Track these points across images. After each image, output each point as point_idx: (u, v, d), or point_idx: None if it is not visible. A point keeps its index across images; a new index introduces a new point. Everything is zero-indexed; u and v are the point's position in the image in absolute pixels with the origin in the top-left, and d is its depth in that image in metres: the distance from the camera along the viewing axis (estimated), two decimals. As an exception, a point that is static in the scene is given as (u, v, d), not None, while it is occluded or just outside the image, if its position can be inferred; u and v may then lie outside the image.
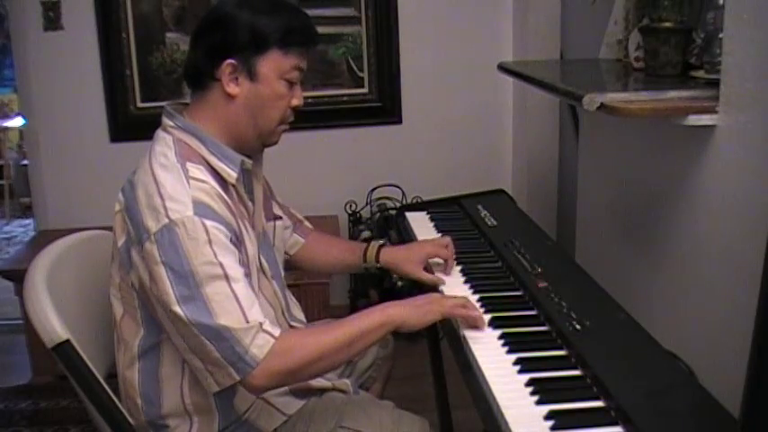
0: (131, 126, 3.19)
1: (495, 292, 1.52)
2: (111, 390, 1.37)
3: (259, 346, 1.25)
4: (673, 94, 1.54)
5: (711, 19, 1.61)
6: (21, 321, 2.95)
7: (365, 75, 3.30)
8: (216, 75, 1.37)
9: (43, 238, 2.81)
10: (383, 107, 3.33)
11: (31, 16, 3.12)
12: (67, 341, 1.31)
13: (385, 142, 3.35)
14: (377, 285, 3.12)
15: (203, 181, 1.32)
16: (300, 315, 1.61)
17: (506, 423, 1.06)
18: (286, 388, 1.46)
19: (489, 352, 1.28)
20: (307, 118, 2.93)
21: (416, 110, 3.34)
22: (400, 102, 3.32)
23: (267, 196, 1.60)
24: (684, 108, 1.49)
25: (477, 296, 1.50)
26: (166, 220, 1.26)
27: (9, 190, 5.65)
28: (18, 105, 5.14)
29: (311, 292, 2.84)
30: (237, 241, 1.34)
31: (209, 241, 1.26)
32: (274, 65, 1.37)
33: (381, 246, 1.70)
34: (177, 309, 1.24)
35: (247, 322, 1.25)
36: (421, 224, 2.00)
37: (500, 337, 1.32)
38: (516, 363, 1.23)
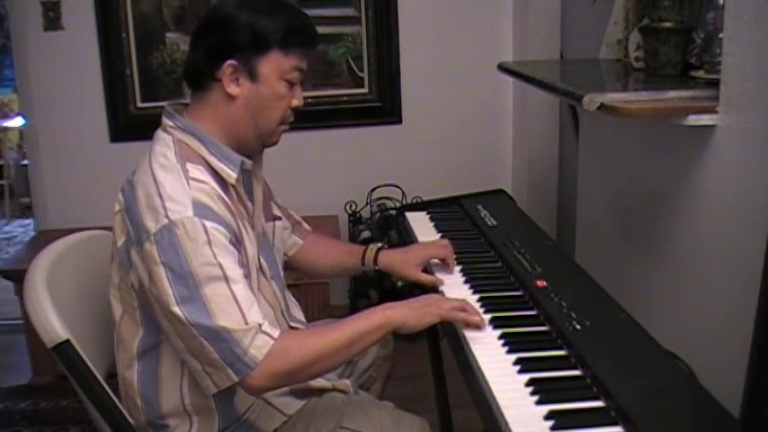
0: (131, 126, 3.19)
1: (495, 292, 1.52)
2: (111, 390, 1.37)
3: (258, 347, 1.25)
4: (673, 94, 1.54)
5: (711, 19, 1.61)
6: (21, 321, 2.95)
7: (365, 75, 3.30)
8: (216, 75, 1.36)
9: (43, 238, 2.81)
10: (383, 107, 3.33)
11: (31, 16, 3.12)
12: (67, 341, 1.31)
13: (385, 142, 3.35)
14: (377, 286, 3.12)
15: (203, 181, 1.32)
16: (300, 315, 1.61)
17: (506, 423, 1.06)
18: (286, 388, 1.46)
19: (489, 352, 1.28)
20: (307, 118, 2.93)
21: (416, 110, 3.34)
22: (400, 102, 3.32)
23: (267, 197, 1.60)
24: (684, 108, 1.49)
25: (477, 296, 1.50)
26: (166, 221, 1.26)
27: (9, 190, 5.65)
28: (18, 105, 5.14)
29: (311, 292, 2.84)
30: (237, 242, 1.34)
31: (209, 242, 1.26)
32: (275, 65, 1.37)
33: (380, 249, 1.70)
34: (176, 309, 1.24)
35: (246, 323, 1.25)
36: (421, 224, 2.00)
37: (500, 337, 1.32)
38: (516, 363, 1.23)
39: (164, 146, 1.37)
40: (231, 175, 1.38)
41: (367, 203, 3.29)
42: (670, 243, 1.73)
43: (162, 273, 1.25)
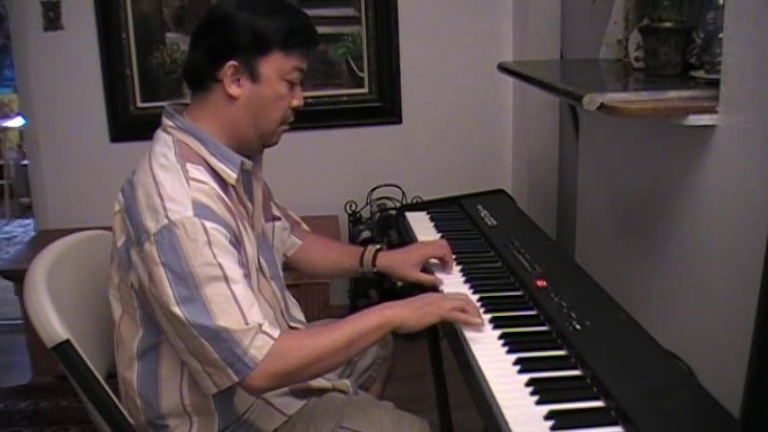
0: (131, 126, 3.19)
1: (495, 292, 1.52)
2: (111, 390, 1.37)
3: (258, 347, 1.25)
4: (673, 94, 1.54)
5: (711, 19, 1.61)
6: (21, 321, 2.95)
7: (365, 75, 3.30)
8: (217, 76, 1.36)
9: (43, 238, 2.81)
10: (383, 107, 3.33)
11: (31, 16, 3.12)
12: (67, 341, 1.31)
13: (385, 142, 3.36)
14: (377, 286, 3.12)
15: (203, 182, 1.32)
16: (300, 315, 1.61)
17: (506, 423, 1.06)
18: (286, 388, 1.46)
19: (489, 352, 1.28)
20: (307, 118, 2.93)
21: (416, 110, 3.34)
22: (400, 102, 3.33)
23: (266, 197, 1.60)
24: (684, 108, 1.49)
25: (477, 296, 1.50)
26: (166, 221, 1.26)
27: (9, 190, 5.65)
28: (18, 105, 5.14)
29: (311, 292, 2.84)
30: (237, 242, 1.34)
31: (209, 242, 1.26)
32: (276, 66, 1.37)
33: (378, 250, 1.70)
34: (176, 309, 1.24)
35: (246, 324, 1.25)
36: (421, 224, 2.00)
37: (500, 337, 1.32)
38: (516, 363, 1.23)
39: (164, 146, 1.37)
40: (231, 175, 1.38)
41: (367, 203, 3.29)
42: (670, 243, 1.73)
43: (162, 273, 1.25)
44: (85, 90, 3.19)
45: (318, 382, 1.51)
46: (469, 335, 1.33)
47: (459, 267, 1.67)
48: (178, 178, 1.31)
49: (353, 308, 3.20)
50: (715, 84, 1.48)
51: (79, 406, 1.73)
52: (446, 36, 3.30)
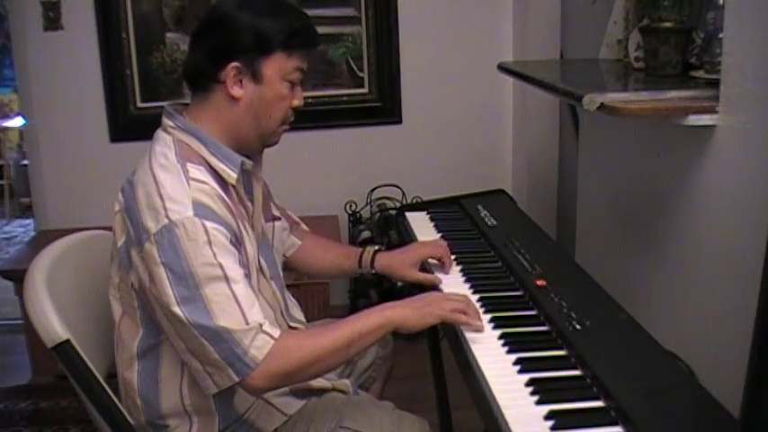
0: (131, 126, 3.19)
1: (495, 292, 1.52)
2: (111, 390, 1.37)
3: (258, 347, 1.25)
4: (673, 94, 1.54)
5: (711, 19, 1.61)
6: (21, 321, 2.95)
7: (365, 75, 3.30)
8: (219, 77, 1.36)
9: (43, 238, 2.81)
10: (383, 107, 3.33)
11: (31, 16, 3.12)
12: (67, 341, 1.31)
13: (385, 142, 3.36)
14: (377, 286, 3.12)
15: (203, 182, 1.32)
16: (300, 315, 1.61)
17: (506, 423, 1.06)
18: (286, 388, 1.46)
19: (489, 352, 1.28)
20: (307, 118, 2.93)
21: (416, 110, 3.34)
22: (400, 102, 3.33)
23: (266, 197, 1.60)
24: (684, 108, 1.49)
25: (477, 296, 1.50)
26: (166, 221, 1.26)
27: (9, 190, 5.65)
28: (18, 105, 5.14)
29: (311, 292, 2.84)
30: (237, 242, 1.34)
31: (209, 242, 1.26)
32: (277, 66, 1.37)
33: (377, 251, 1.70)
34: (176, 309, 1.24)
35: (247, 323, 1.25)
36: (421, 224, 2.00)
37: (500, 337, 1.32)
38: (516, 363, 1.23)
39: (164, 146, 1.37)
40: (231, 175, 1.38)
41: (367, 203, 3.29)
42: (670, 243, 1.73)
43: (162, 273, 1.25)
44: (85, 90, 3.19)
45: (318, 382, 1.51)
46: (469, 335, 1.33)
47: (459, 267, 1.67)
48: (178, 178, 1.31)
49: (353, 308, 3.20)
50: (715, 84, 1.48)
51: (79, 406, 1.73)
52: (446, 36, 3.30)
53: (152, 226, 1.27)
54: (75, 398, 1.52)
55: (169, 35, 3.18)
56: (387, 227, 3.14)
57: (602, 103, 1.50)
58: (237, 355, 1.24)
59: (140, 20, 3.15)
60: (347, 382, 1.59)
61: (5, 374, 3.06)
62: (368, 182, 3.29)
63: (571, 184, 2.77)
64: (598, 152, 2.31)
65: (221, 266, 1.26)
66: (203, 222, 1.27)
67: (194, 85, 1.41)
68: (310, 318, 1.70)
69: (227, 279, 1.26)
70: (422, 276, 1.63)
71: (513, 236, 1.78)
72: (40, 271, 1.40)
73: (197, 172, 1.33)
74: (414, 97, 3.33)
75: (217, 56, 1.35)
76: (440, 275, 1.62)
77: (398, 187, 3.29)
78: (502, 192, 2.24)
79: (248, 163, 1.42)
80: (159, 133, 1.41)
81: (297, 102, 1.43)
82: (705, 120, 1.48)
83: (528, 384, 1.16)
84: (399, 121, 3.35)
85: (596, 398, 1.11)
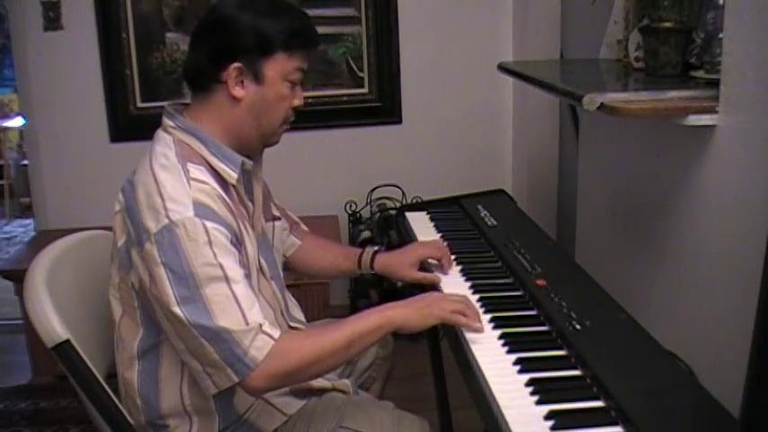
0: (131, 126, 3.19)
1: (495, 292, 1.52)
2: (111, 390, 1.37)
3: (258, 347, 1.25)
4: (673, 94, 1.54)
5: (711, 19, 1.61)
6: (21, 321, 2.95)
7: (365, 75, 3.30)
8: (220, 77, 1.36)
9: (43, 238, 2.81)
10: (383, 107, 3.33)
11: (31, 16, 3.12)
12: (67, 341, 1.31)
13: (385, 142, 3.36)
14: (377, 286, 3.12)
15: (204, 182, 1.32)
16: (300, 315, 1.61)
17: (506, 423, 1.06)
18: (286, 388, 1.46)
19: (489, 352, 1.28)
20: (307, 118, 2.93)
21: (416, 110, 3.34)
22: (400, 102, 3.33)
23: (266, 197, 1.60)
24: (684, 108, 1.49)
25: (477, 296, 1.50)
26: (167, 221, 1.26)
27: (9, 190, 5.65)
28: (18, 105, 5.13)
29: (311, 292, 2.84)
30: (238, 242, 1.34)
31: (210, 242, 1.26)
32: (279, 67, 1.37)
33: (376, 252, 1.71)
34: (177, 310, 1.24)
35: (247, 324, 1.25)
36: (421, 224, 2.00)
37: (500, 337, 1.32)
38: (516, 363, 1.23)
39: (164, 146, 1.36)
40: (232, 175, 1.38)
41: (367, 203, 3.29)
42: (670, 243, 1.73)
43: (162, 273, 1.25)
44: (85, 90, 3.19)
45: (318, 382, 1.51)
46: (469, 335, 1.33)
47: (459, 267, 1.67)
48: (179, 178, 1.31)
49: (353, 308, 3.20)
50: (715, 84, 1.48)
51: (79, 406, 1.73)
52: (446, 36, 3.30)
53: (152, 226, 1.27)
54: (75, 398, 1.52)
55: (169, 35, 3.18)
56: (387, 227, 3.14)
57: (602, 103, 1.50)
58: (237, 356, 1.24)
59: (140, 20, 3.15)
60: (347, 381, 1.59)
61: (5, 374, 3.06)
62: (368, 182, 3.29)
63: (571, 184, 2.77)
64: (598, 152, 2.31)
65: (221, 267, 1.26)
66: (204, 222, 1.27)
67: (195, 85, 1.41)
68: (310, 318, 1.70)
69: (227, 279, 1.26)
70: (421, 276, 1.63)
71: (513, 236, 1.78)
72: (40, 271, 1.40)
73: (197, 172, 1.33)
74: (414, 97, 3.33)
75: (218, 56, 1.35)
76: (439, 275, 1.62)
77: (398, 187, 3.29)
78: (502, 192, 2.24)
79: (249, 163, 1.42)
80: (160, 133, 1.41)
81: (297, 101, 1.43)
82: (705, 120, 1.48)
83: (528, 384, 1.16)
84: (399, 121, 3.35)
85: (596, 398, 1.11)
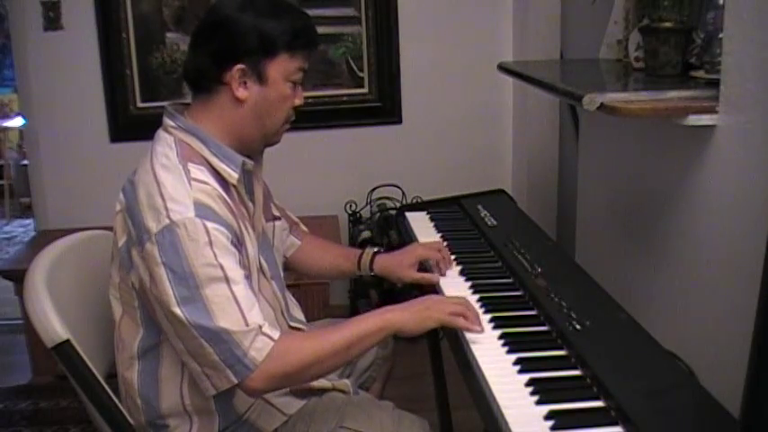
0: (131, 126, 3.19)
1: (495, 293, 1.52)
2: (111, 390, 1.37)
3: (258, 348, 1.25)
4: (673, 94, 1.54)
5: (711, 19, 1.61)
6: (21, 321, 2.95)
7: (365, 75, 3.30)
8: (223, 79, 1.36)
9: (43, 238, 2.81)
10: (383, 107, 3.33)
11: (31, 16, 3.12)
12: (67, 341, 1.31)
13: (385, 142, 3.36)
14: (377, 286, 3.12)
15: (205, 182, 1.32)
16: (300, 315, 1.61)
17: (506, 423, 1.06)
18: (286, 388, 1.46)
19: (489, 352, 1.28)
20: (307, 118, 2.93)
21: (416, 110, 3.34)
22: (400, 102, 3.32)
23: (266, 197, 1.60)
24: (684, 108, 1.49)
25: (477, 296, 1.50)
26: (167, 221, 1.26)
27: (9, 190, 5.65)
28: (18, 105, 5.14)
29: (311, 292, 2.84)
30: (238, 242, 1.34)
31: (210, 243, 1.26)
32: (281, 68, 1.37)
33: (376, 253, 1.71)
34: (177, 310, 1.24)
35: (247, 325, 1.25)
36: (421, 224, 2.00)
37: (500, 337, 1.32)
38: (516, 363, 1.23)
39: (165, 146, 1.36)
40: (233, 175, 1.38)
41: (367, 203, 3.29)
42: (670, 243, 1.73)
43: (163, 273, 1.25)
44: (85, 90, 3.19)
45: (319, 382, 1.51)
46: (469, 335, 1.33)
47: (459, 267, 1.67)
48: (180, 178, 1.30)
49: (353, 308, 3.20)
50: (715, 84, 1.48)
51: (79, 406, 1.73)
52: (446, 36, 3.30)
53: (153, 226, 1.27)
54: (75, 398, 1.52)
55: (169, 35, 3.18)
56: (387, 227, 3.14)
57: (602, 103, 1.50)
58: (237, 357, 1.24)
59: (140, 20, 3.15)
60: (347, 381, 1.59)
61: (5, 374, 3.05)
62: (368, 182, 3.29)
63: (571, 184, 2.77)
64: (598, 152, 2.31)
65: (222, 267, 1.26)
66: (204, 223, 1.27)
67: (196, 86, 1.40)
68: (310, 318, 1.70)
69: (227, 280, 1.26)
70: (420, 276, 1.63)
71: (513, 236, 1.78)
72: (40, 271, 1.40)
73: (198, 172, 1.33)
74: (414, 97, 3.33)
75: (221, 58, 1.35)
76: (438, 276, 1.63)
77: (398, 187, 3.29)
78: (502, 192, 2.24)
79: (249, 163, 1.42)
80: (160, 133, 1.41)
81: (298, 101, 1.43)
82: (705, 120, 1.48)
83: (528, 384, 1.16)
84: (399, 121, 3.35)
85: (596, 398, 1.11)
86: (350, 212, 3.26)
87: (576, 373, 1.19)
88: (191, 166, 1.33)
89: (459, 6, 3.28)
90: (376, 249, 1.73)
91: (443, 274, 1.64)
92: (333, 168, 3.36)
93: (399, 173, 3.31)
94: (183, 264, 1.24)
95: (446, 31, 3.29)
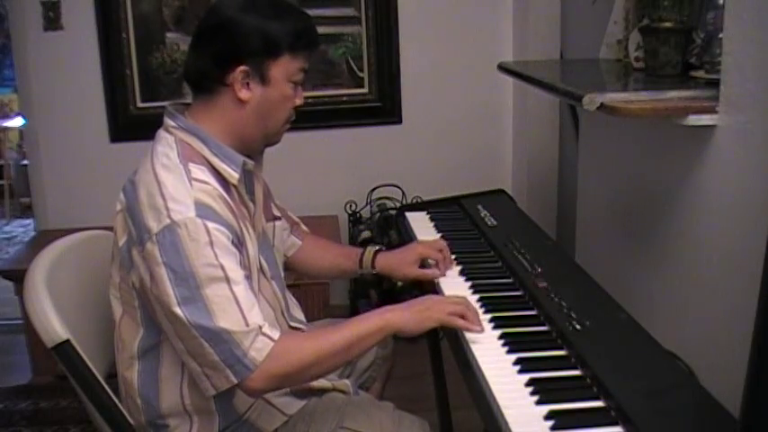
0: (131, 126, 3.19)
1: (495, 293, 1.52)
2: (111, 390, 1.37)
3: (258, 349, 1.25)
4: (673, 94, 1.54)
5: (711, 19, 1.61)
6: (21, 321, 2.95)
7: (365, 75, 3.30)
8: (226, 80, 1.35)
9: (43, 238, 2.81)
10: (383, 107, 3.33)
11: (31, 16, 3.12)
12: (67, 341, 1.31)
13: (385, 142, 3.36)
14: (377, 286, 3.12)
15: (205, 182, 1.32)
16: (300, 315, 1.61)
17: (506, 423, 1.06)
18: (287, 388, 1.46)
19: (489, 352, 1.28)
20: (307, 118, 2.93)
21: (416, 110, 3.34)
22: (400, 102, 3.33)
23: (267, 196, 1.60)
24: (684, 108, 1.49)
25: (477, 296, 1.50)
26: (168, 221, 1.26)
27: (9, 190, 5.65)
28: (18, 105, 5.13)
29: (311, 292, 2.84)
30: (239, 242, 1.34)
31: (211, 243, 1.26)
32: (284, 69, 1.37)
33: (377, 251, 1.71)
34: (177, 310, 1.24)
35: (247, 325, 1.25)
36: (421, 224, 2.00)
37: (500, 337, 1.32)
38: (516, 363, 1.23)
39: (166, 146, 1.36)
40: (233, 175, 1.38)
41: (367, 203, 3.29)
42: (670, 243, 1.73)
43: (163, 273, 1.25)
44: (85, 90, 3.19)
45: (319, 383, 1.51)
46: (469, 335, 1.33)
47: (459, 267, 1.67)
48: (180, 178, 1.30)
49: (353, 308, 3.20)
50: (715, 84, 1.48)
51: (79, 406, 1.73)
52: (446, 36, 3.30)
53: (154, 226, 1.27)
54: (75, 398, 1.52)
55: (169, 35, 3.18)
56: (387, 227, 3.14)
57: (602, 103, 1.50)
58: (237, 357, 1.24)
59: (140, 20, 3.15)
60: (347, 382, 1.59)
61: (5, 374, 3.05)
62: (368, 182, 3.29)
63: (571, 184, 2.77)
64: (598, 152, 2.31)
65: (222, 267, 1.26)
66: (205, 223, 1.27)
67: (198, 87, 1.40)
68: (310, 318, 1.70)
69: (227, 280, 1.26)
70: (421, 273, 1.64)
71: (513, 236, 1.78)
72: (40, 271, 1.40)
73: (199, 172, 1.33)
74: (414, 97, 3.33)
75: (223, 60, 1.35)
76: (438, 273, 1.63)
77: (398, 187, 3.29)
78: (502, 192, 2.24)
79: (250, 163, 1.42)
80: (161, 133, 1.41)
81: (299, 101, 1.43)
82: (705, 120, 1.48)
83: (528, 384, 1.16)
84: (399, 121, 3.35)
85: (596, 398, 1.12)
86: (350, 212, 3.26)
87: (576, 373, 1.19)
88: (191, 166, 1.33)
89: (459, 6, 3.28)
90: (377, 248, 1.73)
91: (443, 274, 1.64)
92: (333, 168, 3.36)
93: (399, 173, 3.31)
94: (184, 263, 1.24)
95: (446, 31, 3.29)
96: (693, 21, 1.68)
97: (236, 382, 1.26)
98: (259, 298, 1.36)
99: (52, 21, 3.12)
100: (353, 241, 3.16)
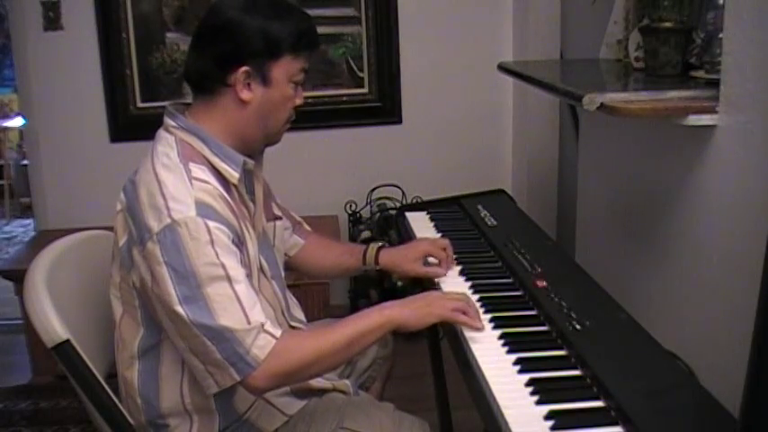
0: (131, 126, 3.19)
1: (495, 292, 1.52)
2: (111, 390, 1.37)
3: (260, 346, 1.25)
4: (673, 94, 1.54)
5: (711, 19, 1.61)
6: (21, 321, 2.95)
7: (365, 75, 3.30)
8: (227, 81, 1.35)
9: (43, 238, 2.81)
10: (383, 107, 3.33)
11: (31, 16, 3.12)
12: (67, 341, 1.31)
13: (385, 142, 3.36)
14: (377, 285, 3.12)
15: (206, 181, 1.32)
16: (300, 315, 1.61)
17: (506, 423, 1.06)
18: (287, 388, 1.46)
19: (489, 352, 1.28)
20: (307, 118, 2.93)
21: (416, 110, 3.34)
22: (400, 102, 3.33)
23: (267, 196, 1.60)
24: (684, 108, 1.49)
25: (477, 296, 1.50)
26: (169, 221, 1.26)
27: (9, 190, 5.65)
28: (18, 105, 5.13)
29: (311, 292, 2.84)
30: (239, 242, 1.34)
31: (212, 242, 1.26)
32: (285, 69, 1.37)
33: (380, 247, 1.71)
34: (179, 309, 1.24)
35: (249, 323, 1.25)
36: (421, 224, 2.00)
37: (500, 337, 1.32)
38: (516, 363, 1.23)
39: (166, 145, 1.37)
40: (233, 174, 1.38)
41: (367, 203, 3.29)
42: (670, 243, 1.73)
43: (164, 272, 1.25)
44: (85, 90, 3.19)
45: (319, 383, 1.51)
46: (469, 334, 1.33)
47: (459, 267, 1.67)
48: (181, 178, 1.31)
49: (353, 308, 3.20)
50: (715, 84, 1.48)
51: (79, 406, 1.73)
52: (446, 36, 3.30)
53: (155, 225, 1.27)
54: (75, 398, 1.52)
55: (169, 35, 3.18)
56: (387, 227, 3.14)
57: (602, 103, 1.50)
58: (239, 355, 1.24)
59: (140, 20, 3.15)
60: (347, 382, 1.59)
61: (5, 374, 3.05)
62: (368, 182, 3.29)
63: (571, 184, 2.77)
64: (598, 152, 2.31)
65: (223, 266, 1.26)
66: (206, 222, 1.27)
67: (199, 87, 1.40)
68: (310, 318, 1.70)
69: (228, 279, 1.26)
70: (424, 271, 1.64)
71: (513, 236, 1.78)
72: (40, 271, 1.40)
73: (199, 171, 1.33)
74: (414, 97, 3.33)
75: (225, 61, 1.35)
76: (439, 272, 1.63)
77: (398, 187, 3.29)
78: (502, 192, 2.24)
79: (250, 162, 1.42)
80: (161, 133, 1.41)
81: (299, 101, 1.44)
82: (705, 120, 1.48)
83: (528, 384, 1.16)
84: (399, 121, 3.35)
85: (596, 398, 1.12)
86: (350, 212, 3.26)
87: (576, 373, 1.19)
88: (192, 166, 1.33)
89: (459, 6, 3.28)
90: (381, 243, 1.73)
91: (445, 273, 1.64)
92: (333, 168, 3.36)
93: (399, 173, 3.31)
94: (185, 263, 1.24)
95: (446, 31, 3.29)
96: (693, 21, 1.68)
97: (238, 379, 1.26)
98: (259, 298, 1.36)
99: (52, 21, 3.12)
100: (353, 241, 3.15)
